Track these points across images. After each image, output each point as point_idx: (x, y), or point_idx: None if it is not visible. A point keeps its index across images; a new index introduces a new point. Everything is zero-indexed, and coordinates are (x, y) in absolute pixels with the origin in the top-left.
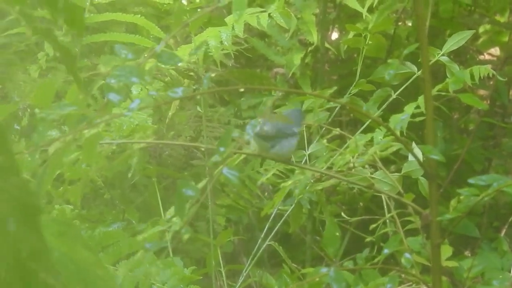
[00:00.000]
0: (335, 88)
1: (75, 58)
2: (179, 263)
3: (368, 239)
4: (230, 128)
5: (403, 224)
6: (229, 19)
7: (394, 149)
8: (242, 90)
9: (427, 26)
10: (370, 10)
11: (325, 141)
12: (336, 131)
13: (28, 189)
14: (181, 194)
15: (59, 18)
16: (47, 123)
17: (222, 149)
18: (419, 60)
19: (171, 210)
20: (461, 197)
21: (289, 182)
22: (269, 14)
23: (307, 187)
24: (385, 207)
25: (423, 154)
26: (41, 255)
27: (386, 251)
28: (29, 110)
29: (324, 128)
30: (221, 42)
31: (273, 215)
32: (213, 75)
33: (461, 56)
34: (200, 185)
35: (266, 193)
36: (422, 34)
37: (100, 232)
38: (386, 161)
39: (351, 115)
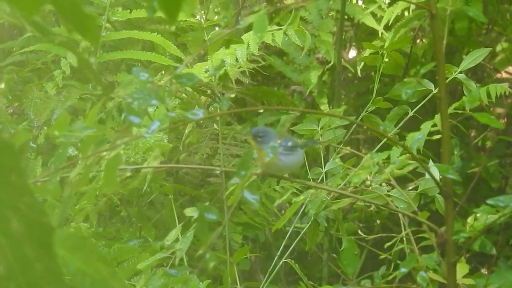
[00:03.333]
0: (344, 107)
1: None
2: (195, 280)
3: (383, 256)
4: (250, 151)
5: (418, 240)
6: (244, 37)
7: (411, 168)
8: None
9: (444, 45)
10: (387, 28)
11: (338, 159)
12: (347, 149)
13: (41, 209)
14: (202, 218)
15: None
16: (66, 145)
17: (243, 172)
18: (436, 78)
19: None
20: (478, 215)
21: (301, 197)
22: (284, 32)
23: (323, 205)
24: (402, 224)
25: (439, 172)
26: (53, 274)
27: (403, 270)
28: (45, 128)
29: (340, 146)
30: (237, 60)
31: (289, 232)
32: (232, 95)
33: (478, 74)
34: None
35: (283, 211)
36: (439, 53)
37: (116, 248)
38: (404, 179)
39: (369, 132)
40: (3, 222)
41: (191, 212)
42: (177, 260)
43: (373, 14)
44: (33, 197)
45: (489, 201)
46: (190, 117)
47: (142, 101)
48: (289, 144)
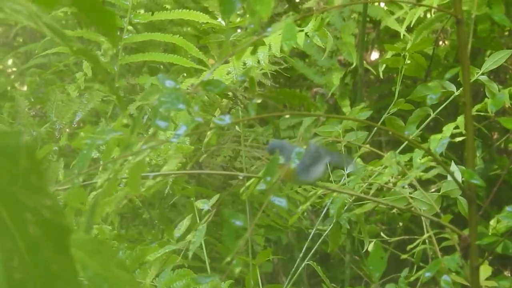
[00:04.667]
0: (363, 104)
1: (113, 77)
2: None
3: (404, 256)
4: (276, 156)
5: (440, 241)
6: (266, 39)
7: (435, 173)
8: (281, 109)
9: (469, 47)
10: (409, 30)
11: (359, 159)
12: (367, 147)
13: (60, 211)
14: (229, 225)
15: (92, 23)
16: (91, 147)
17: (268, 178)
18: (458, 79)
19: (182, 225)
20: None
21: (318, 192)
22: (306, 34)
23: (345, 207)
24: (425, 227)
25: (463, 177)
26: (69, 275)
27: (427, 274)
28: (67, 130)
29: (363, 145)
30: (258, 62)
31: (312, 235)
32: (259, 101)
33: (500, 76)
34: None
35: (305, 213)
36: (464, 57)
37: (138, 249)
38: (426, 181)
39: (390, 133)
40: (22, 226)
41: (202, 204)
42: (190, 253)
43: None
44: (53, 199)
45: (509, 208)
46: (217, 122)
47: (169, 105)
48: (305, 163)
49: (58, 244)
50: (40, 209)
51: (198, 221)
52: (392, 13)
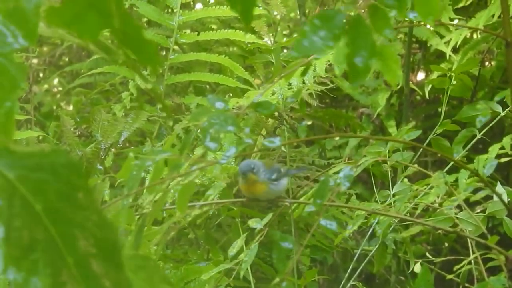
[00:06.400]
0: (411, 124)
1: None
2: None
3: (450, 276)
4: (326, 179)
5: (486, 261)
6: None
7: (483, 195)
8: (327, 129)
9: None
10: (455, 50)
11: (405, 180)
12: (415, 167)
13: (108, 226)
14: (279, 247)
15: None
16: (140, 168)
17: (319, 201)
18: (504, 100)
19: (236, 245)
20: None
21: (363, 212)
22: None
23: (391, 227)
24: (470, 247)
25: (509, 197)
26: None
27: None
28: (112, 150)
29: (410, 165)
30: (304, 82)
31: (357, 255)
32: (309, 123)
33: None
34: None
35: (350, 234)
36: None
37: (183, 268)
38: (471, 201)
39: (438, 155)
40: (69, 241)
41: (254, 223)
42: (242, 272)
43: (441, 37)
44: (101, 215)
45: None
46: (267, 145)
47: (219, 127)
48: (274, 176)
49: (109, 259)
50: (88, 225)
51: (244, 241)
52: (438, 34)
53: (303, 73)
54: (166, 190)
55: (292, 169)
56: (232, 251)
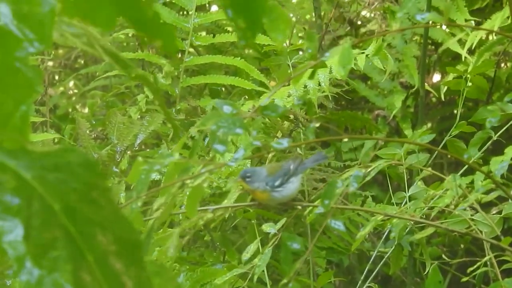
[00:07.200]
0: (425, 127)
1: (174, 100)
2: None
3: (466, 278)
4: (334, 181)
5: (501, 263)
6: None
7: (495, 195)
8: (342, 131)
9: None
10: (471, 52)
11: (420, 182)
12: (429, 171)
13: (129, 226)
14: (286, 248)
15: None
16: (149, 172)
17: (326, 201)
18: None
19: (249, 249)
20: None
21: (379, 218)
22: (366, 56)
23: (407, 229)
24: (486, 249)
25: None
26: (144, 285)
27: None
28: (128, 152)
29: (425, 168)
30: (319, 84)
31: (373, 257)
32: (317, 125)
33: None
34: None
35: (367, 236)
36: None
37: (199, 270)
38: (488, 203)
39: (448, 156)
40: (89, 239)
41: (268, 228)
42: (255, 277)
43: (459, 40)
44: (119, 214)
45: None
46: (274, 146)
47: (227, 130)
48: (277, 183)
49: (129, 257)
50: (107, 223)
51: (260, 244)
52: (454, 35)
53: (311, 76)
54: (175, 193)
55: (307, 160)
56: (246, 256)
